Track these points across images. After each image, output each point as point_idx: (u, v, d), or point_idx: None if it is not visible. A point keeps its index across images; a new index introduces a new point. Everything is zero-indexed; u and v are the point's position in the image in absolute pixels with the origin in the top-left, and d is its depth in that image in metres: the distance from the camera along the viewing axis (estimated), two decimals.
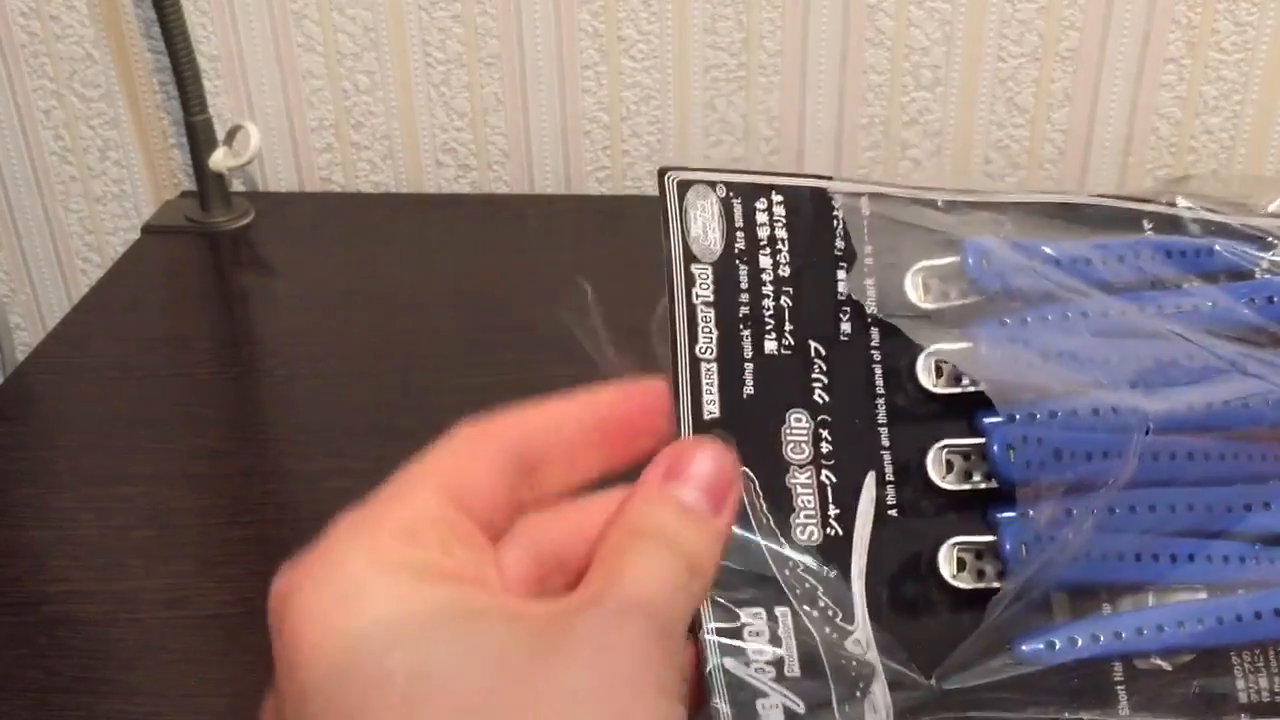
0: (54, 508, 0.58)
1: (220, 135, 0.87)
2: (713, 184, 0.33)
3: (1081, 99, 0.85)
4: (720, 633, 0.28)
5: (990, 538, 0.31)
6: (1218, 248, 0.36)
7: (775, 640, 0.28)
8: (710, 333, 0.31)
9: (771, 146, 0.88)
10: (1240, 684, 0.32)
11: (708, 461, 0.27)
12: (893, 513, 0.31)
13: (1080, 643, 0.31)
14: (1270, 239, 0.36)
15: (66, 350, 0.72)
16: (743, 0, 0.83)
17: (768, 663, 0.28)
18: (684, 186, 0.33)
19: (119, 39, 0.89)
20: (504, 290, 0.77)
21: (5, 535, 0.57)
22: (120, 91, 0.91)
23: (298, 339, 0.73)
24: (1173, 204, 0.36)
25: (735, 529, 0.29)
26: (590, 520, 0.27)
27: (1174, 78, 0.84)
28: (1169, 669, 0.32)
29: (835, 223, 0.33)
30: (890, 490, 0.31)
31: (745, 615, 0.28)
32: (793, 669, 0.28)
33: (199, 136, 0.86)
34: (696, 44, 0.85)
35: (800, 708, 0.28)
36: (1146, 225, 0.36)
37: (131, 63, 0.90)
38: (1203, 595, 0.32)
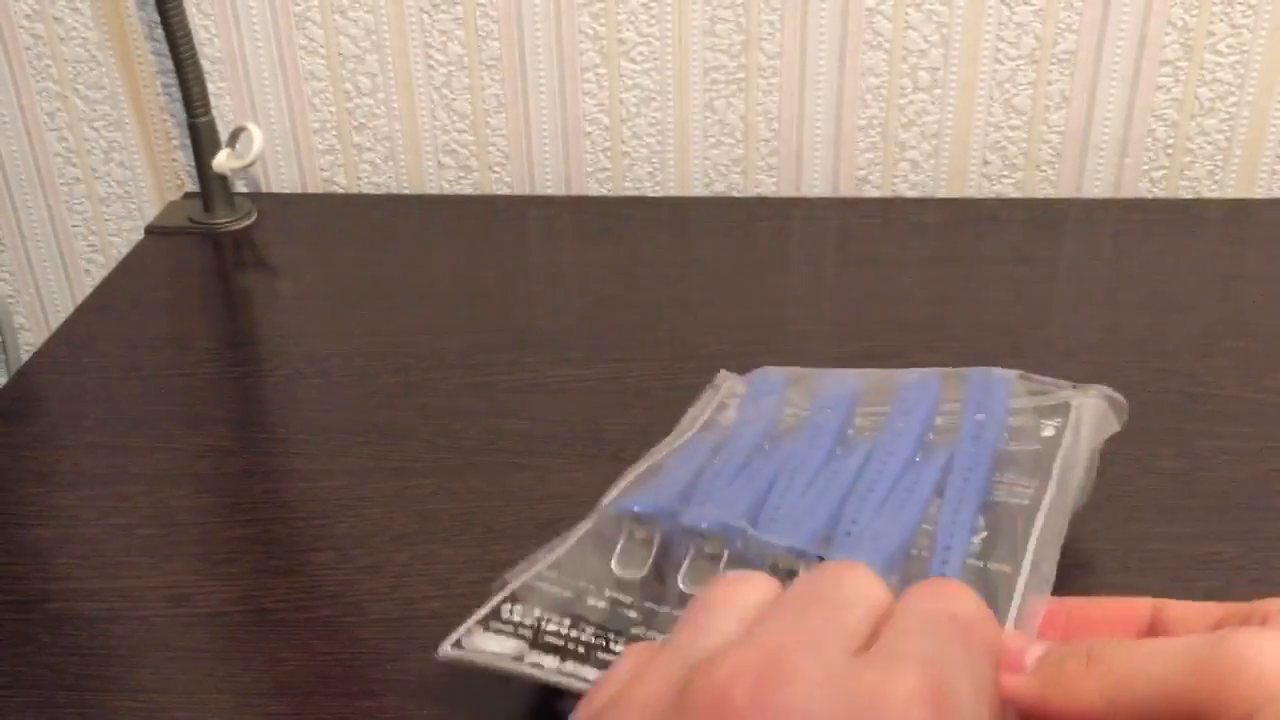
0: (58, 506, 0.59)
1: (223, 137, 0.87)
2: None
3: (1078, 101, 0.85)
4: None
5: None
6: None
7: None
8: None
9: (771, 148, 0.88)
10: None
11: None
12: None
13: None
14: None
15: (70, 350, 0.73)
16: (742, 3, 0.84)
17: None
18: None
19: (122, 41, 0.89)
20: (504, 291, 0.77)
21: (10, 534, 0.57)
22: (124, 93, 0.91)
23: (299, 339, 0.73)
24: None
25: None
26: None
27: (1170, 80, 0.84)
28: None
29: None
30: None
31: None
32: None
33: (202, 138, 0.86)
34: (696, 46, 0.86)
35: None
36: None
37: (135, 65, 0.90)
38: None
